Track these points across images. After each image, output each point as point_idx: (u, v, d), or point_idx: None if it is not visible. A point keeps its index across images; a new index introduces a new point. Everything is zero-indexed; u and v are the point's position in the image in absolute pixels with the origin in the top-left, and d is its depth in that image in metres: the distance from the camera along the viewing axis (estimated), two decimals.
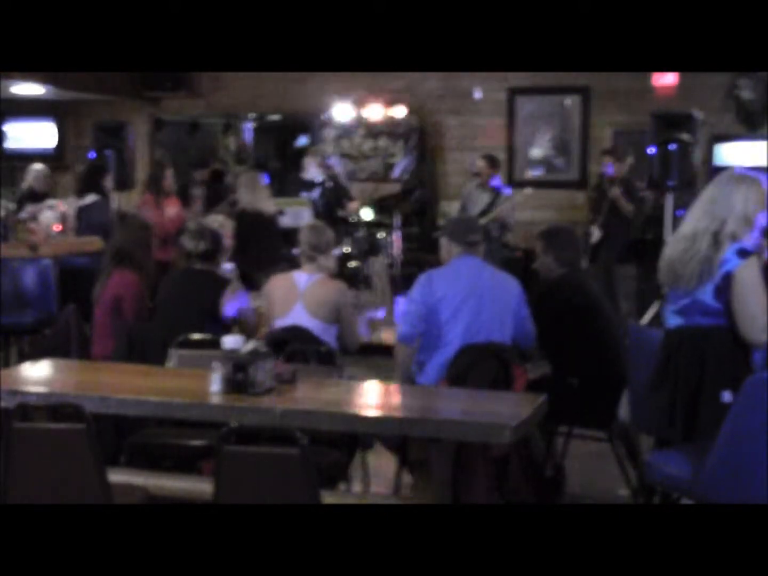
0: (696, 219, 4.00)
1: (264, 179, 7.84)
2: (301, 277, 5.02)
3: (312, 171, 8.45)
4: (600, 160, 10.04)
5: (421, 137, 10.86)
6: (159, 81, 11.22)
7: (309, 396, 4.03)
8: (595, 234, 8.90)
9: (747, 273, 3.85)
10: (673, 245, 4.07)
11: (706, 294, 3.90)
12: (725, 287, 3.86)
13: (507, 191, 9.18)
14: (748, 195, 3.93)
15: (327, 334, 4.90)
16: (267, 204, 7.40)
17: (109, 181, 8.30)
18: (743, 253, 3.86)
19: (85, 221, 8.14)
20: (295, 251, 5.49)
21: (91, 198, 8.13)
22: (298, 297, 4.94)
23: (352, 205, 8.98)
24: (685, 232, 4.02)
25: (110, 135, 8.57)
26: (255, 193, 7.37)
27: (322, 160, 8.70)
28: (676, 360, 3.95)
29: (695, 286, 3.90)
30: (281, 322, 4.92)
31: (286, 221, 8.08)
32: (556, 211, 10.27)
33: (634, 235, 8.84)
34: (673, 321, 4.07)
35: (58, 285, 7.16)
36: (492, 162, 9.15)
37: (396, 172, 10.93)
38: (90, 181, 8.27)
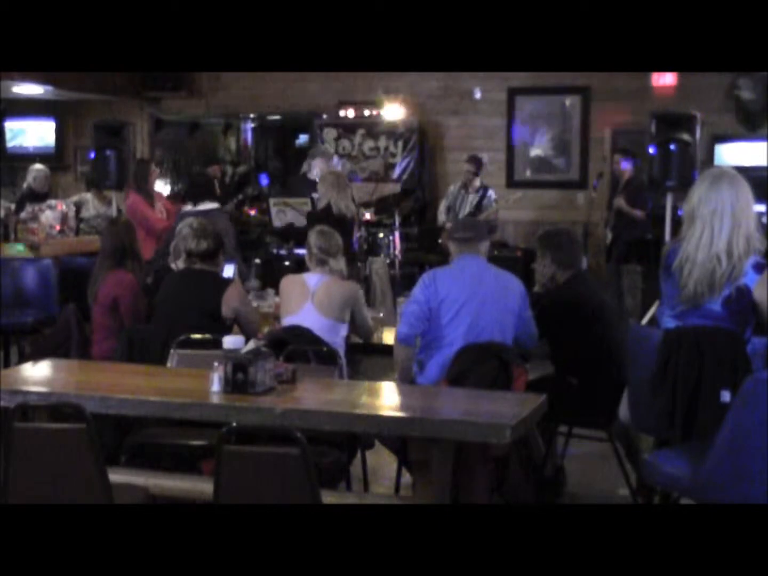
0: (715, 235, 3.89)
1: (348, 182, 7.89)
2: (312, 278, 5.08)
3: (315, 171, 8.43)
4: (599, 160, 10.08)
5: (421, 137, 10.85)
6: (159, 81, 11.23)
7: (309, 396, 4.03)
8: (608, 235, 9.03)
9: (763, 292, 3.87)
10: (696, 268, 3.93)
11: (714, 303, 3.91)
12: (738, 296, 3.88)
13: (490, 193, 9.23)
14: (745, 191, 3.94)
15: (334, 333, 4.92)
16: (350, 206, 7.47)
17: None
18: (760, 267, 3.88)
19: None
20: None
21: (207, 205, 7.14)
22: (308, 296, 4.98)
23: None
24: (710, 253, 3.90)
25: (110, 135, 8.54)
26: (340, 193, 7.42)
27: (322, 161, 8.67)
28: (675, 360, 3.95)
29: (708, 299, 3.92)
30: (291, 320, 4.94)
31: (286, 220, 8.08)
32: (556, 211, 10.28)
33: (635, 236, 8.87)
34: (669, 323, 4.07)
35: (58, 285, 7.16)
36: (478, 163, 9.20)
37: (396, 172, 10.92)
38: (204, 190, 7.46)
